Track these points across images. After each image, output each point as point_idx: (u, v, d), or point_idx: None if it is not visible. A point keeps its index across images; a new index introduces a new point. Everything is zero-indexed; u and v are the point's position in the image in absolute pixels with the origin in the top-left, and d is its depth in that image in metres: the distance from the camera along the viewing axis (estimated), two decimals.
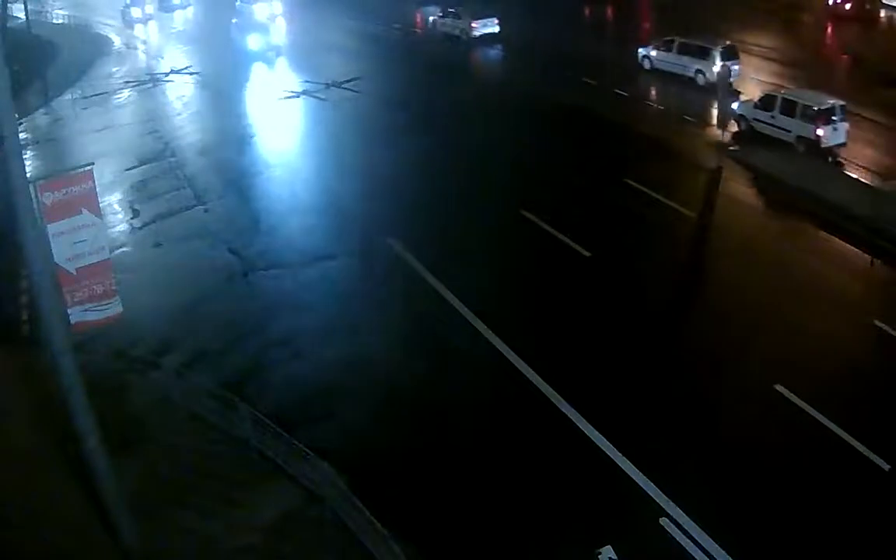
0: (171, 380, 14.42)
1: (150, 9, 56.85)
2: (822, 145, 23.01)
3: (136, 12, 55.13)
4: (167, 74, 40.10)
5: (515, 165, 23.72)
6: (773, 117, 24.40)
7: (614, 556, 10.80)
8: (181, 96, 36.30)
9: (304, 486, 11.99)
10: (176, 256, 20.69)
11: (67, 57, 45.71)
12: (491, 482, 12.25)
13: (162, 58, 44.43)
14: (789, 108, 23.86)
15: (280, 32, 42.51)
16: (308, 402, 14.32)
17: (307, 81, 34.71)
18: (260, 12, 47.61)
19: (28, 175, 9.19)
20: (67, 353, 9.70)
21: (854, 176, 21.39)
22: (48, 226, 9.72)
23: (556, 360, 14.80)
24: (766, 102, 24.74)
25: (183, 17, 57.28)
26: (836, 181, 20.93)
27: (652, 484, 11.84)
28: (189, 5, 59.19)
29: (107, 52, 47.55)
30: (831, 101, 23.37)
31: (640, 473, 12.06)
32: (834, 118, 23.07)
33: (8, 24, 45.28)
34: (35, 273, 9.48)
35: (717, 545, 10.79)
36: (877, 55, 31.75)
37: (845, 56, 33.44)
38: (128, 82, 39.42)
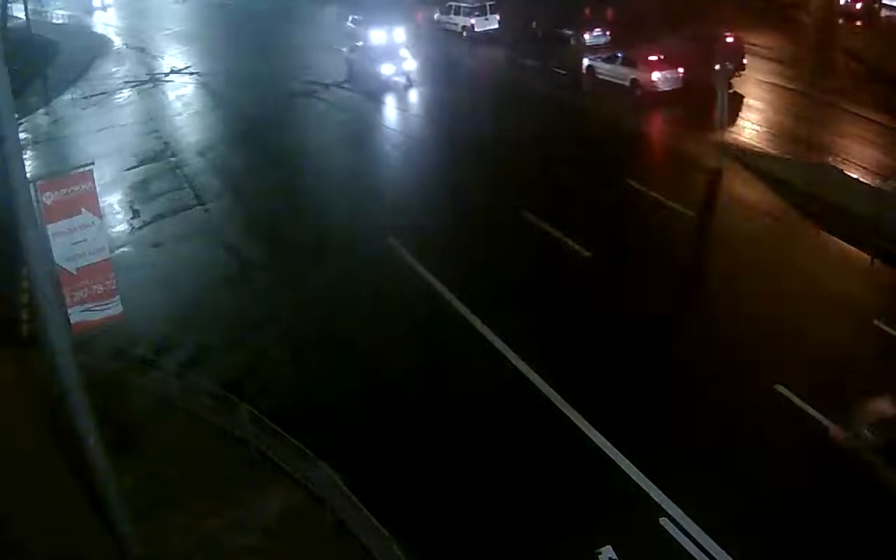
0: (171, 380, 14.41)
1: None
2: (476, 30, 39.72)
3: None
4: (167, 74, 40.13)
5: None
6: (450, 18, 41.50)
7: (614, 556, 10.79)
8: (181, 96, 36.32)
9: (304, 486, 11.98)
10: (176, 256, 20.67)
11: (67, 57, 45.72)
12: (489, 480, 12.25)
13: (162, 58, 44.43)
14: (457, 9, 40.86)
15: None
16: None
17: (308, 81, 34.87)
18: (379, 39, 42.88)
19: (28, 175, 9.17)
20: (67, 353, 9.68)
21: (854, 175, 21.41)
22: (48, 226, 9.68)
23: (555, 360, 14.81)
24: (447, 10, 41.83)
25: None
26: (837, 181, 20.98)
27: (652, 484, 11.84)
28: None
29: (106, 52, 47.54)
30: (481, 1, 40.20)
31: (640, 473, 12.06)
32: (484, 13, 39.93)
33: (8, 24, 45.39)
34: (35, 273, 9.47)
35: (717, 545, 10.79)
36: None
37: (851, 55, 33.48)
38: (128, 82, 39.42)
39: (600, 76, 31.92)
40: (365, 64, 34.57)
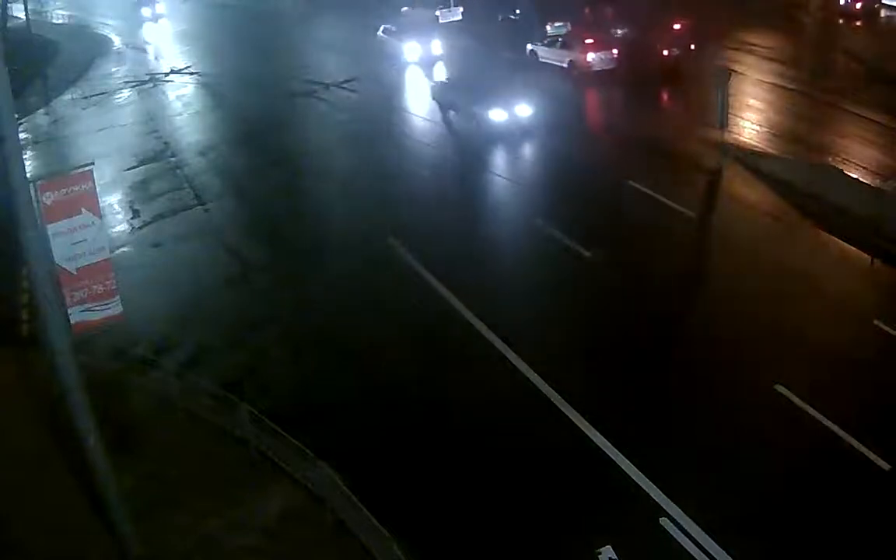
0: (171, 380, 14.41)
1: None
2: (441, 21, 42.78)
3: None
4: (167, 74, 40.13)
5: None
6: (420, 10, 44.07)
7: (614, 556, 10.79)
8: (181, 96, 36.32)
9: (304, 486, 11.98)
10: (176, 256, 20.68)
11: (67, 57, 45.75)
12: (489, 479, 12.26)
13: (161, 58, 44.44)
14: (424, 2, 44.14)
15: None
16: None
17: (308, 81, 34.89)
18: (411, 53, 37.85)
19: (28, 175, 9.17)
20: (67, 353, 9.68)
21: (854, 175, 21.39)
22: (48, 226, 9.68)
23: (555, 359, 14.79)
24: (415, 3, 45.16)
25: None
26: (837, 181, 20.99)
27: (652, 484, 11.84)
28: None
29: (106, 52, 47.56)
30: None
31: (640, 473, 12.06)
32: (448, 5, 43.79)
33: (8, 24, 45.41)
34: (35, 273, 9.47)
35: (717, 545, 10.79)
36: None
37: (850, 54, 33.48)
38: (128, 82, 39.43)
39: (542, 59, 34.26)
40: (462, 105, 28.27)
